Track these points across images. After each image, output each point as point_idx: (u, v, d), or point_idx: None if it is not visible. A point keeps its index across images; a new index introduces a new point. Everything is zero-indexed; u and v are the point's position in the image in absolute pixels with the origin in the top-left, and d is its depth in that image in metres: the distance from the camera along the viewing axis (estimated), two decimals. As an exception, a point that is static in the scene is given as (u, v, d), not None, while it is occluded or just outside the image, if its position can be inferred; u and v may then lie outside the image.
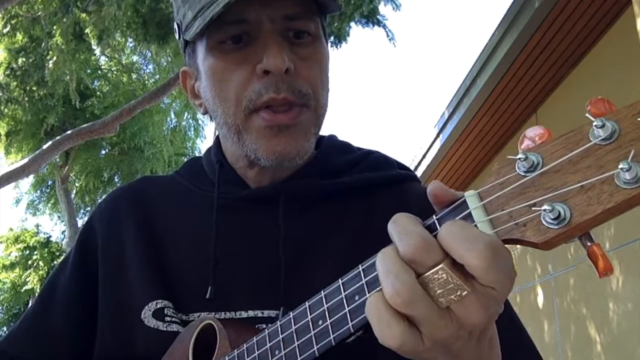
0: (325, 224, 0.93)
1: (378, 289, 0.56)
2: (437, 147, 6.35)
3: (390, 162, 1.02)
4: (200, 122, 15.28)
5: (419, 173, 6.77)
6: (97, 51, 11.77)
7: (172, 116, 15.01)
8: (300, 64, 0.86)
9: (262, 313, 0.87)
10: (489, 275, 0.51)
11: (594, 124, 0.49)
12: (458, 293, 0.52)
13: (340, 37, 8.80)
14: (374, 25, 8.75)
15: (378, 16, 8.72)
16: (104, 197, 1.15)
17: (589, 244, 0.50)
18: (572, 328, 4.92)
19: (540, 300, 5.54)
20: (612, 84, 4.14)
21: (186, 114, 14.94)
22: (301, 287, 0.72)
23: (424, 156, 6.80)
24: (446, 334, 0.54)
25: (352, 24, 8.62)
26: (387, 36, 8.91)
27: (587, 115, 0.50)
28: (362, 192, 0.95)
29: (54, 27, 8.87)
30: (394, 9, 8.78)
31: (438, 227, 0.56)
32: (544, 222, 0.50)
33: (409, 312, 0.53)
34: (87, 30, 8.59)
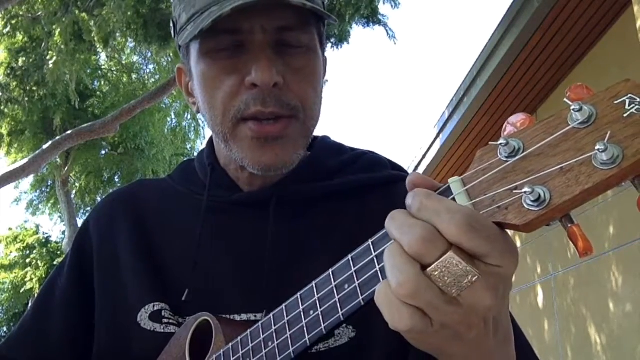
0: (316, 227, 0.93)
1: (367, 275, 0.56)
2: (437, 147, 6.35)
3: (383, 163, 1.02)
4: (200, 122, 15.30)
5: (419, 172, 6.76)
6: (100, 52, 11.78)
7: (173, 116, 15.04)
8: (291, 76, 0.86)
9: (255, 316, 0.88)
10: (473, 241, 0.51)
11: (572, 108, 0.50)
12: (469, 278, 0.52)
13: (342, 38, 8.80)
14: (374, 25, 8.75)
15: (379, 16, 8.72)
16: (100, 199, 1.16)
17: (569, 225, 0.51)
18: (572, 328, 4.92)
19: (540, 300, 5.54)
20: (612, 84, 4.13)
21: (186, 114, 14.97)
22: (290, 290, 0.72)
23: (424, 156, 6.81)
24: (457, 319, 0.54)
25: (353, 24, 8.62)
26: (387, 34, 8.92)
27: (565, 100, 0.51)
28: (354, 193, 0.95)
29: (54, 27, 8.88)
30: (392, 7, 8.78)
31: None
32: (524, 205, 0.51)
33: (414, 303, 0.53)
34: (93, 34, 8.58)
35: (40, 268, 18.48)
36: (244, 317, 0.88)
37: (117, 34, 9.09)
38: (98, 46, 8.98)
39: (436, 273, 0.52)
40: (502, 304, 0.58)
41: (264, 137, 0.85)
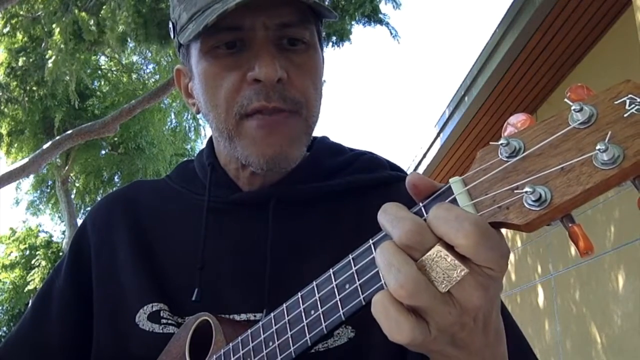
0: (315, 227, 0.93)
1: (368, 275, 0.56)
2: (438, 147, 6.35)
3: (382, 163, 1.02)
4: (200, 122, 15.29)
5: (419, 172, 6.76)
6: (106, 54, 11.76)
7: (173, 116, 15.03)
8: (293, 72, 0.86)
9: (255, 316, 0.88)
10: (481, 254, 0.51)
11: (572, 108, 0.50)
12: (457, 271, 0.52)
13: (343, 37, 8.80)
14: (375, 24, 8.75)
15: (380, 15, 8.72)
16: (97, 201, 1.16)
17: (570, 224, 0.51)
18: (573, 328, 4.92)
19: (540, 300, 5.54)
20: (612, 84, 4.13)
21: (186, 114, 14.96)
22: (289, 290, 0.72)
23: (424, 156, 6.81)
24: (451, 319, 0.54)
25: (354, 22, 8.62)
26: (391, 34, 8.91)
27: (565, 100, 0.51)
28: (353, 193, 0.96)
29: (54, 27, 8.86)
30: (394, 7, 8.79)
31: (425, 213, 0.57)
32: (525, 205, 0.51)
33: (414, 303, 0.53)
34: (96, 35, 8.55)
35: (44, 268, 18.42)
36: (243, 316, 0.88)
37: (119, 32, 9.07)
38: (113, 45, 8.92)
39: (425, 266, 0.52)
40: (492, 305, 0.59)
41: (269, 125, 0.85)
